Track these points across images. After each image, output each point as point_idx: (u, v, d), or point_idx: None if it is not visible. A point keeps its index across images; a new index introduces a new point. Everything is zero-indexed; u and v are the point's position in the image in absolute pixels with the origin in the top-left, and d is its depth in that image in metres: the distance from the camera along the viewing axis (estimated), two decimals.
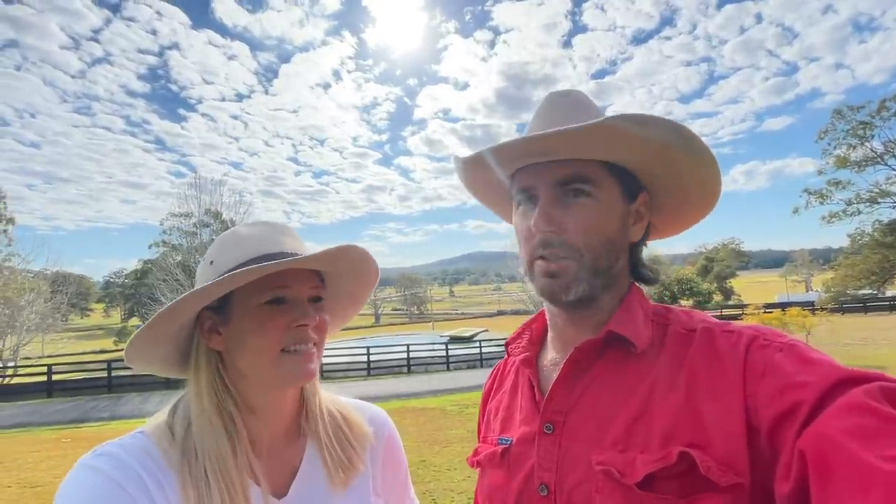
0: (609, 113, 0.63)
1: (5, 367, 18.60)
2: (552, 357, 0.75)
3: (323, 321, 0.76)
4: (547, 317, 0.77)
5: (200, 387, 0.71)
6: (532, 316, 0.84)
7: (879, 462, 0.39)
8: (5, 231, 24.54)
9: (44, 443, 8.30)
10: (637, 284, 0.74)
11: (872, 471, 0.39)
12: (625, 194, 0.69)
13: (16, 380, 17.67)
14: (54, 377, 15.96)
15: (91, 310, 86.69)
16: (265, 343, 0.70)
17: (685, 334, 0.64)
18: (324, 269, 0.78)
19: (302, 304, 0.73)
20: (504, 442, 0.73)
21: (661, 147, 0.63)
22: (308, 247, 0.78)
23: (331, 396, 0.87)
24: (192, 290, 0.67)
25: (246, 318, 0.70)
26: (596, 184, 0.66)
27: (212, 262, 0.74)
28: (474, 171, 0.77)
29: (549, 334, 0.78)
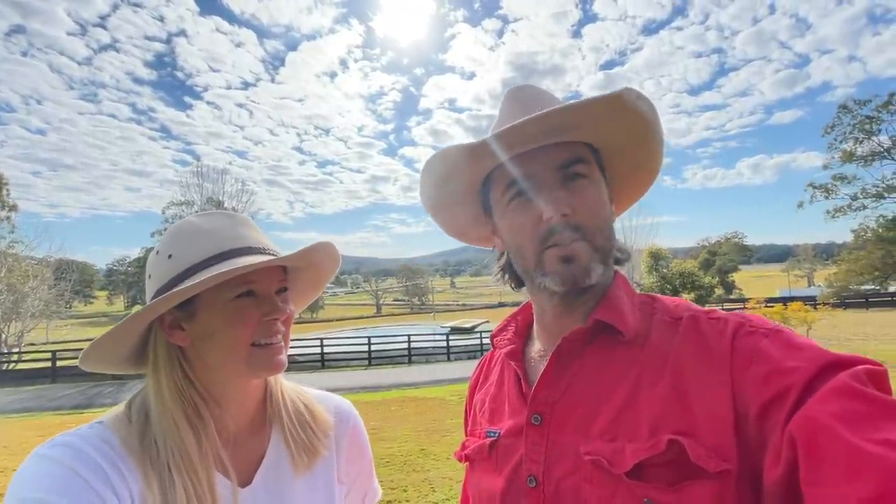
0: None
1: (10, 353, 18.77)
2: (539, 348, 0.74)
3: (290, 313, 0.76)
4: (534, 308, 0.77)
5: (161, 383, 0.69)
6: (517, 308, 0.84)
7: (869, 446, 0.40)
8: (8, 218, 24.60)
9: (48, 427, 8.40)
10: (620, 273, 0.74)
11: (862, 454, 0.40)
12: (603, 175, 0.70)
13: (21, 365, 17.84)
14: (59, 363, 16.09)
15: (95, 297, 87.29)
16: (236, 337, 0.69)
17: (671, 322, 0.64)
18: (295, 265, 0.78)
19: (271, 297, 0.73)
20: (492, 435, 0.72)
21: (642, 123, 0.65)
22: (265, 235, 0.78)
23: (292, 385, 0.87)
24: (175, 290, 0.65)
25: (215, 314, 0.69)
26: (591, 165, 0.68)
27: (170, 256, 0.71)
28: (447, 176, 0.72)
29: (536, 326, 0.77)
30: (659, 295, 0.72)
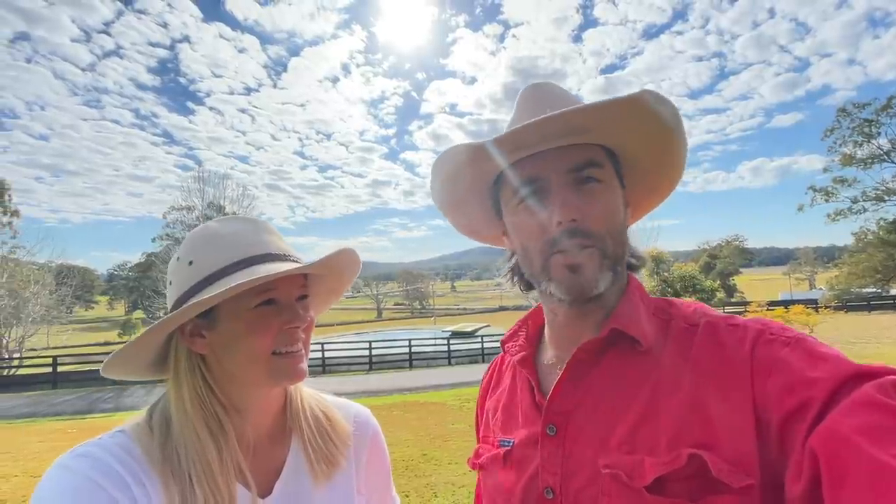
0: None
1: (11, 359, 18.75)
2: (551, 356, 0.72)
3: (311, 321, 0.75)
4: (545, 314, 0.75)
5: (182, 391, 0.69)
6: (527, 312, 0.82)
7: (894, 461, 0.38)
8: (10, 223, 24.72)
9: (49, 433, 8.38)
10: (635, 277, 0.72)
11: (887, 471, 0.38)
12: (619, 180, 0.68)
13: (21, 371, 17.82)
14: (59, 368, 16.08)
15: (95, 302, 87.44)
16: (257, 346, 0.69)
17: (688, 329, 0.62)
18: (317, 272, 0.78)
19: (292, 305, 0.72)
20: (506, 444, 0.71)
21: (662, 128, 0.63)
22: (287, 241, 0.77)
23: (313, 393, 0.86)
24: (195, 300, 0.65)
25: (236, 322, 0.69)
26: (605, 169, 0.65)
27: (191, 263, 0.71)
28: (458, 173, 0.71)
29: (547, 332, 0.75)
30: (675, 299, 0.69)
